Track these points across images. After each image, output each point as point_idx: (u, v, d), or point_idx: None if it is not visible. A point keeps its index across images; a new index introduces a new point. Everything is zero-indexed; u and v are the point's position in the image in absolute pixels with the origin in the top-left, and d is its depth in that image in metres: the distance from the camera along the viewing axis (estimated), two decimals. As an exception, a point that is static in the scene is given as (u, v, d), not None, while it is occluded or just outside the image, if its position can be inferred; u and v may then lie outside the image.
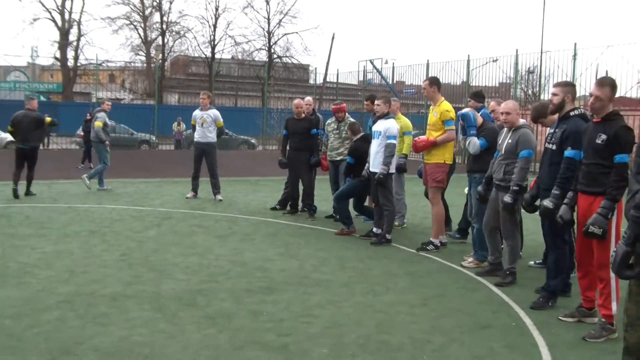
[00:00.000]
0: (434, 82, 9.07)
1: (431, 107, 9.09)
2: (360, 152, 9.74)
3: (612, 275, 5.42)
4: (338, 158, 11.05)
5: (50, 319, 5.57)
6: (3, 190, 13.43)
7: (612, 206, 5.32)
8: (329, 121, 11.42)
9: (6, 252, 8.00)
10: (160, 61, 49.23)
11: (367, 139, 9.74)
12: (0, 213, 10.93)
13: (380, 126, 9.23)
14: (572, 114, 6.17)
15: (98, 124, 14.60)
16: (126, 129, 32.29)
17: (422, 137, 8.99)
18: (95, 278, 6.92)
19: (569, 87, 6.38)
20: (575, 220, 5.89)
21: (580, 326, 5.79)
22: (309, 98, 12.32)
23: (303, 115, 11.50)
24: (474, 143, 8.03)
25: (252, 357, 4.87)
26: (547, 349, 5.22)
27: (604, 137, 5.45)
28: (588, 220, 5.34)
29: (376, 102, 9.61)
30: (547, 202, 6.05)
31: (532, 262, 8.23)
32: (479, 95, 9.50)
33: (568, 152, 6.00)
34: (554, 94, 6.32)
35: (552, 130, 6.42)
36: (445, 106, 8.77)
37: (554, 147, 6.24)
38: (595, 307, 5.80)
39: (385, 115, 9.32)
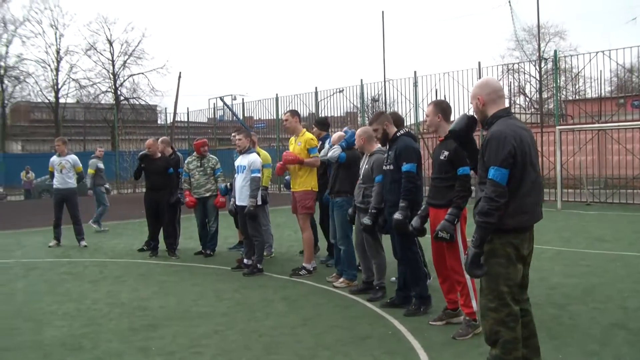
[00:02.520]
0: (295, 113, 9.58)
1: (292, 138, 9.55)
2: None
3: (468, 276, 6.05)
4: (207, 194, 11.32)
5: None
6: None
7: (458, 213, 6.03)
8: (189, 159, 11.62)
9: None
10: (2, 108, 47.06)
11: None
12: None
13: (244, 160, 9.56)
14: (398, 134, 6.97)
15: (90, 171, 16.00)
16: (-31, 182, 30.75)
17: (290, 157, 9.29)
18: (-32, 335, 6.74)
19: (381, 117, 7.18)
20: (428, 230, 6.48)
21: (449, 327, 6.38)
22: (161, 138, 12.34)
23: (159, 154, 11.62)
24: (336, 150, 8.53)
25: (149, 390, 5.04)
26: (423, 350, 5.73)
27: (446, 153, 6.18)
28: (437, 227, 5.97)
29: (237, 137, 9.88)
30: (397, 215, 6.71)
31: (393, 278, 8.76)
32: (323, 124, 9.99)
33: (404, 167, 6.73)
34: (374, 129, 7.17)
35: (385, 155, 7.15)
36: (309, 135, 9.33)
37: (392, 167, 6.95)
38: (459, 307, 6.39)
39: (247, 150, 9.66)
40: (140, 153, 11.60)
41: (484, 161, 4.44)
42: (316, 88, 29.76)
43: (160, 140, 12.04)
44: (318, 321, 6.84)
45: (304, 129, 9.45)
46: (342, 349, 5.84)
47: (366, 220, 7.45)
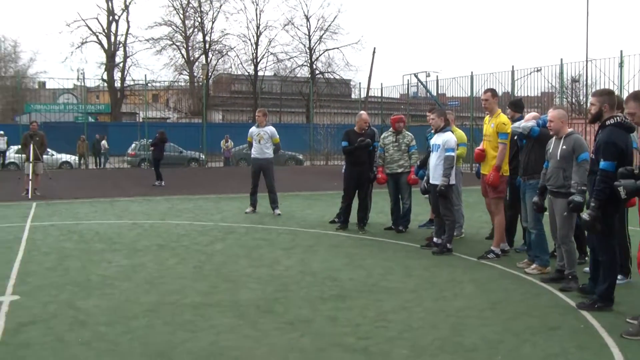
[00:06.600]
0: (495, 93, 9.31)
1: (487, 117, 9.28)
2: None
3: None
4: (399, 170, 11.26)
5: (139, 326, 5.91)
6: (74, 208, 14.03)
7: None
8: (385, 134, 11.62)
9: (85, 266, 8.42)
10: (206, 80, 50.02)
11: None
12: (71, 229, 11.41)
13: (438, 139, 9.45)
14: (608, 123, 6.30)
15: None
16: (175, 147, 32.90)
17: (491, 175, 8.88)
18: (174, 289, 7.25)
19: (605, 96, 6.46)
20: None
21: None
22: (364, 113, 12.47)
23: (364, 130, 11.69)
24: (530, 122, 8.13)
25: (337, 359, 5.14)
26: (618, 349, 5.35)
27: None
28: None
29: (430, 115, 9.79)
30: (585, 215, 6.24)
31: (586, 269, 8.27)
32: (517, 105, 9.59)
33: (602, 164, 6.14)
34: (591, 104, 6.51)
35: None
36: (502, 118, 8.92)
37: (593, 157, 6.43)
38: None
39: (442, 129, 9.53)
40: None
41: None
42: (513, 67, 28.84)
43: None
44: (507, 306, 6.63)
45: (499, 110, 9.12)
46: (530, 338, 5.61)
47: (577, 197, 6.84)
